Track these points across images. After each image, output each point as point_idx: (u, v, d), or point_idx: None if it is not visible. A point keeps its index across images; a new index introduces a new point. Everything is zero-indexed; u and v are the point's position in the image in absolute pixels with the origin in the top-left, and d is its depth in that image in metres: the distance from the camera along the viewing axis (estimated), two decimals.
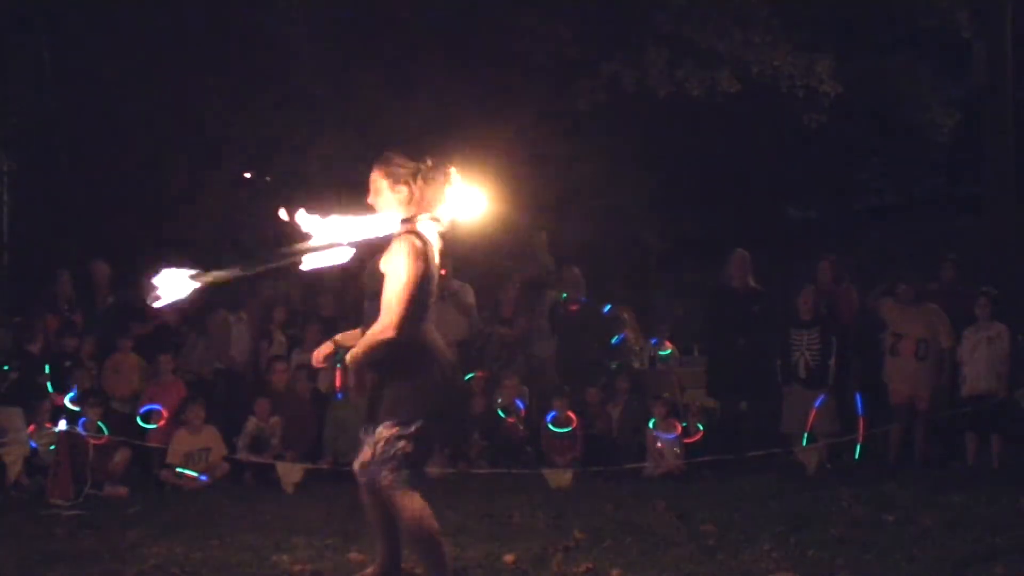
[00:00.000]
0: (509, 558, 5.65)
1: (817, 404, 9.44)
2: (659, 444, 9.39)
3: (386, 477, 4.32)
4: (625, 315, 10.93)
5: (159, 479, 8.80)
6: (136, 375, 9.59)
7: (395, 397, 4.36)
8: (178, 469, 8.76)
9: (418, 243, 4.28)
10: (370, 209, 4.46)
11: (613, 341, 10.68)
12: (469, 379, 10.09)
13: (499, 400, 9.86)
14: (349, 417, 9.50)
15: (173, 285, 4.32)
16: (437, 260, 4.41)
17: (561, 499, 7.95)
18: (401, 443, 4.30)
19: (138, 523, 7.03)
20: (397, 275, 4.24)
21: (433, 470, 9.13)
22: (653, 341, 11.04)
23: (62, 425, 8.27)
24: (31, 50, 12.62)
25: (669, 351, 11.13)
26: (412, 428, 4.30)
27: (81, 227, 12.72)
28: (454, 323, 10.59)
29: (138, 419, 9.24)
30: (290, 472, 8.85)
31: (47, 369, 9.17)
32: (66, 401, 8.94)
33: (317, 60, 12.74)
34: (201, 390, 9.60)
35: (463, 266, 10.07)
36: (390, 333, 4.26)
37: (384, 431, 4.32)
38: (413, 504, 4.35)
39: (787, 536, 6.15)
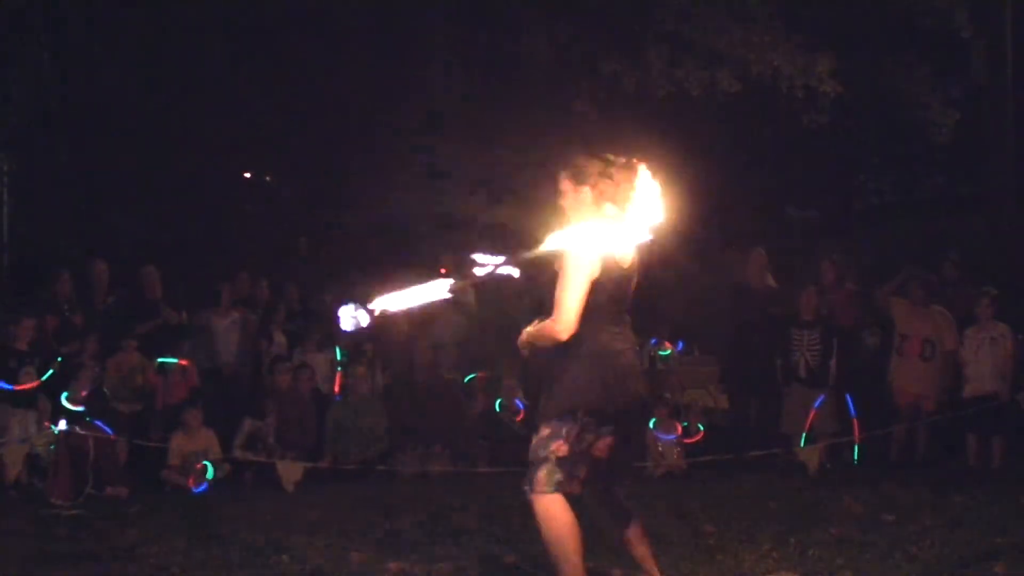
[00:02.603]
0: (509, 558, 5.65)
1: (817, 404, 9.45)
2: (659, 444, 9.39)
3: (537, 477, 4.19)
4: (625, 316, 10.93)
5: (159, 479, 8.79)
6: (139, 375, 9.58)
7: (552, 397, 4.27)
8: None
9: (583, 248, 4.16)
10: (560, 211, 4.39)
11: None
12: (470, 379, 10.11)
13: (499, 400, 9.87)
14: (348, 417, 9.54)
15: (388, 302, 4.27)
16: (628, 259, 4.29)
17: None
18: (555, 444, 4.17)
19: (138, 523, 7.03)
20: (562, 275, 4.17)
21: (434, 470, 9.18)
22: (653, 341, 11.04)
23: (62, 425, 8.27)
24: (31, 50, 12.62)
25: (669, 351, 11.13)
26: (566, 429, 4.16)
27: (81, 227, 12.71)
28: (454, 323, 10.61)
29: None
30: (291, 471, 8.86)
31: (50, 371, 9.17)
32: (63, 401, 8.92)
33: (317, 58, 12.75)
34: (196, 391, 9.62)
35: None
36: (557, 332, 4.18)
37: (542, 430, 4.24)
38: (550, 506, 4.19)
39: (787, 536, 6.14)
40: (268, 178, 15.12)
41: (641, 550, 4.49)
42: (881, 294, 9.93)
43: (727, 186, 14.63)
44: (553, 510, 4.18)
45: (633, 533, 4.47)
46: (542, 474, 4.17)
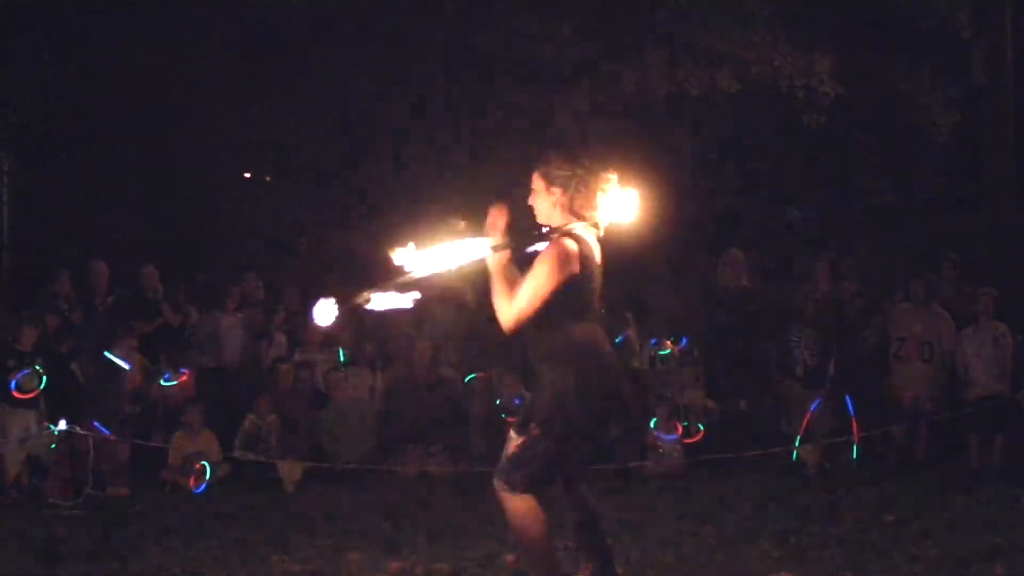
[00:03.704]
0: (509, 558, 5.65)
1: (814, 406, 9.44)
2: (659, 444, 9.39)
3: (521, 476, 4.14)
4: (628, 314, 10.94)
5: (160, 479, 8.79)
6: (139, 375, 9.58)
7: (543, 398, 4.22)
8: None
9: (571, 246, 4.16)
10: (530, 209, 4.39)
11: (616, 341, 10.68)
12: (470, 380, 10.11)
13: (499, 400, 9.86)
14: (347, 418, 9.54)
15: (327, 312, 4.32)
16: (598, 261, 4.30)
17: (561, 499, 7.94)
18: (544, 444, 4.14)
19: (138, 523, 7.03)
20: (535, 274, 4.14)
21: (433, 470, 9.17)
22: (653, 341, 11.03)
23: (62, 425, 8.27)
24: (31, 50, 12.61)
25: (669, 351, 11.12)
26: (556, 430, 4.13)
27: (81, 227, 12.71)
28: (454, 322, 10.60)
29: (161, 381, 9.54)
30: (291, 471, 8.85)
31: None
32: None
33: (316, 58, 12.75)
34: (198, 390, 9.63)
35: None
36: (506, 322, 4.21)
37: (531, 430, 4.18)
38: (530, 505, 4.17)
39: (787, 536, 6.15)
40: (268, 178, 15.11)
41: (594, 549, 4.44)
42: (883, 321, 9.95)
43: (726, 186, 14.65)
44: (533, 509, 4.18)
45: (589, 527, 4.42)
46: (526, 473, 4.15)
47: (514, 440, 4.26)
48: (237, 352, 10.15)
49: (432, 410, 9.70)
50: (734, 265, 10.19)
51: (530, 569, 4.34)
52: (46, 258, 11.53)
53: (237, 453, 9.09)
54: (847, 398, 9.50)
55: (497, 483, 4.24)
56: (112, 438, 8.68)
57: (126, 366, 9.27)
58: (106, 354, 9.19)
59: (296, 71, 12.85)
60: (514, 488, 4.17)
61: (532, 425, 4.20)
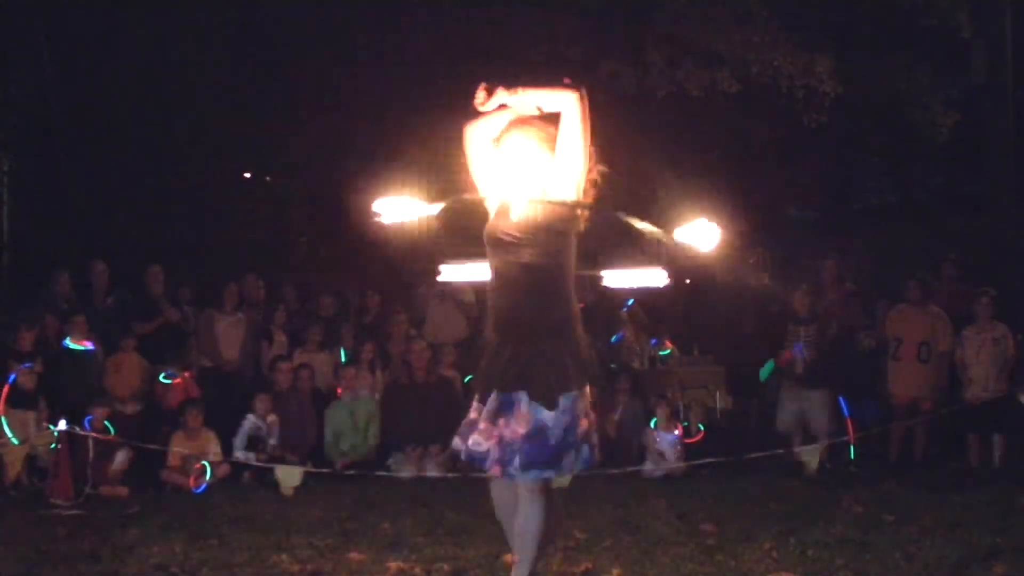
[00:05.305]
0: (509, 558, 5.64)
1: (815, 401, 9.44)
2: (659, 444, 9.38)
3: (564, 464, 3.95)
4: (623, 314, 10.95)
5: (159, 480, 8.78)
6: (138, 375, 9.59)
7: (556, 373, 4.05)
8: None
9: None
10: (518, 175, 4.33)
11: (612, 340, 10.69)
12: (470, 380, 10.11)
13: None
14: (341, 418, 9.53)
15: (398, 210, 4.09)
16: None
17: (561, 499, 7.93)
18: (583, 422, 3.98)
19: (138, 523, 7.03)
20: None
21: (432, 472, 9.16)
22: (653, 341, 11.04)
23: (62, 425, 8.27)
24: (31, 50, 12.62)
25: (669, 351, 11.13)
26: (581, 405, 3.98)
27: (81, 227, 12.72)
28: (454, 323, 10.61)
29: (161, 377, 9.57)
30: (288, 476, 8.83)
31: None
32: None
33: (316, 57, 12.76)
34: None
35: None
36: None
37: (544, 412, 4.00)
38: (545, 494, 4.04)
39: (787, 536, 6.15)
40: (268, 178, 15.13)
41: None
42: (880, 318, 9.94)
43: (727, 186, 14.66)
44: (549, 498, 4.09)
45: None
46: (568, 461, 3.98)
47: (514, 427, 4.08)
48: (237, 352, 10.16)
49: (432, 410, 9.70)
50: (760, 265, 10.23)
51: (528, 562, 4.24)
52: (46, 258, 11.54)
53: (237, 454, 9.08)
54: (841, 400, 9.50)
55: (544, 476, 4.07)
56: (112, 439, 8.66)
57: (90, 347, 9.27)
58: (65, 343, 9.18)
59: (297, 70, 12.86)
60: (534, 476, 4.02)
61: (536, 404, 4.07)
